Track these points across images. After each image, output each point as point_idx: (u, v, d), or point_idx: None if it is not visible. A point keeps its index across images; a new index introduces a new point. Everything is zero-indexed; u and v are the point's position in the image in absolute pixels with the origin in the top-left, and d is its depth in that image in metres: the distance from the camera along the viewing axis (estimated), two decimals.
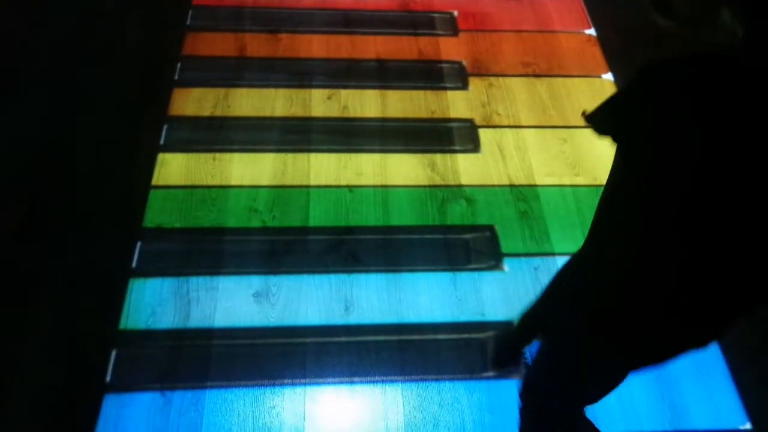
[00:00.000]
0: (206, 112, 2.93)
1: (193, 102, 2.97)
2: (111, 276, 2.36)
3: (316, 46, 3.30)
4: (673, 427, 2.08)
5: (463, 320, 2.31)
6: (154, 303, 2.30)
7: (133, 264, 2.40)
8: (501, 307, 2.35)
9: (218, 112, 2.94)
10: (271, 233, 2.53)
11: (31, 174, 2.64)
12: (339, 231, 2.54)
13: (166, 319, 2.26)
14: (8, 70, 2.99)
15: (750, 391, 2.18)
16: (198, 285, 2.36)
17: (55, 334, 2.20)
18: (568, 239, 2.55)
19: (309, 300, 2.34)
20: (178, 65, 3.14)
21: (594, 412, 2.08)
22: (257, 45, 3.28)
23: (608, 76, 3.20)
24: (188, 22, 3.36)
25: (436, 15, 3.49)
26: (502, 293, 2.39)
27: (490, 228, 2.58)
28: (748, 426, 2.10)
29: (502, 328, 1.93)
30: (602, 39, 3.40)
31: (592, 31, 3.43)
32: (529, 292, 2.39)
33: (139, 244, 2.46)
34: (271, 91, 3.06)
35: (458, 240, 2.54)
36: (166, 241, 2.48)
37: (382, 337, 2.26)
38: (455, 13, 3.51)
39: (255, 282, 2.38)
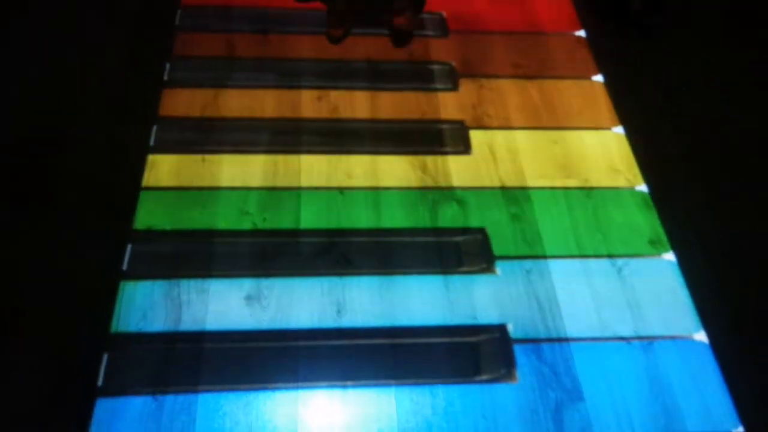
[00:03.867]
0: (196, 113, 2.91)
1: (182, 103, 2.95)
2: (101, 278, 2.34)
3: (306, 46, 3.29)
4: (666, 431, 2.09)
5: (455, 323, 2.31)
6: (145, 306, 2.28)
7: (124, 266, 2.38)
8: (493, 310, 2.35)
9: (208, 113, 2.92)
10: (262, 235, 2.51)
11: (20, 175, 2.60)
12: (330, 233, 2.53)
13: (158, 322, 2.24)
14: None
15: (743, 394, 2.20)
16: (189, 288, 2.34)
17: (46, 337, 2.18)
18: (560, 242, 2.56)
19: (301, 303, 2.33)
20: (168, 66, 3.12)
21: (587, 416, 2.10)
22: (246, 45, 3.26)
23: (598, 78, 3.21)
24: (177, 22, 3.33)
25: (425, 16, 3.48)
26: (494, 296, 2.39)
27: (482, 231, 2.58)
28: (740, 429, 2.12)
29: None
30: (592, 40, 3.40)
31: (582, 33, 3.44)
32: (521, 295, 2.39)
33: (129, 246, 2.43)
34: (260, 92, 3.04)
35: (450, 243, 2.53)
36: (157, 243, 2.46)
37: (374, 341, 2.25)
38: (444, 14, 3.50)
39: (246, 285, 2.36)
